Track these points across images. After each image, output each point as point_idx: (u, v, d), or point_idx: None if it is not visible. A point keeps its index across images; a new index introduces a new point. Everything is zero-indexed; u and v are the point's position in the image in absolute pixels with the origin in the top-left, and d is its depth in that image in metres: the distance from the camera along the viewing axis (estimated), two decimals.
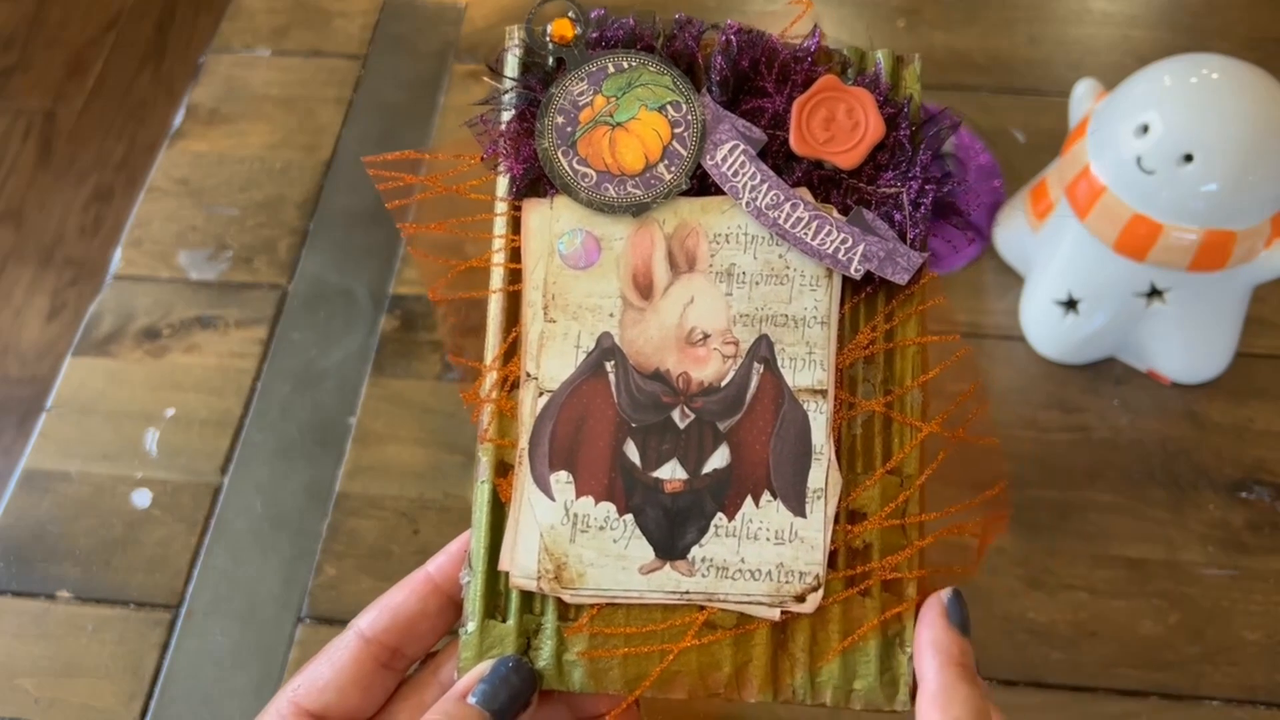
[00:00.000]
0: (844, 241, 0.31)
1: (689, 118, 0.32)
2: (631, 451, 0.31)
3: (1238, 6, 0.76)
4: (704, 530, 0.31)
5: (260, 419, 0.60)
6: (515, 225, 0.32)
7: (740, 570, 0.30)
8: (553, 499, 0.31)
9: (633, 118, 0.32)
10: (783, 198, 0.31)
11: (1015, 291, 0.63)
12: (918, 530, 0.31)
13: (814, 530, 0.30)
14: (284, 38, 0.77)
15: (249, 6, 0.79)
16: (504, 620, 0.31)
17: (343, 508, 0.57)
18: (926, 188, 0.31)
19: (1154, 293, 0.56)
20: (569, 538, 0.31)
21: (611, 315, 0.32)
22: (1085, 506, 0.56)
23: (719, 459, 0.31)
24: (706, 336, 0.31)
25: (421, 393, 0.60)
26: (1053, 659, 0.52)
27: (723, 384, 0.31)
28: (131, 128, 1.49)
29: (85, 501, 0.58)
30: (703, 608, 0.30)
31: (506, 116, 0.33)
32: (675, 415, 0.31)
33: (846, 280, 0.32)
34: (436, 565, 0.32)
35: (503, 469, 0.31)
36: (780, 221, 0.31)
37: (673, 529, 0.31)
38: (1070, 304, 0.58)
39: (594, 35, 0.32)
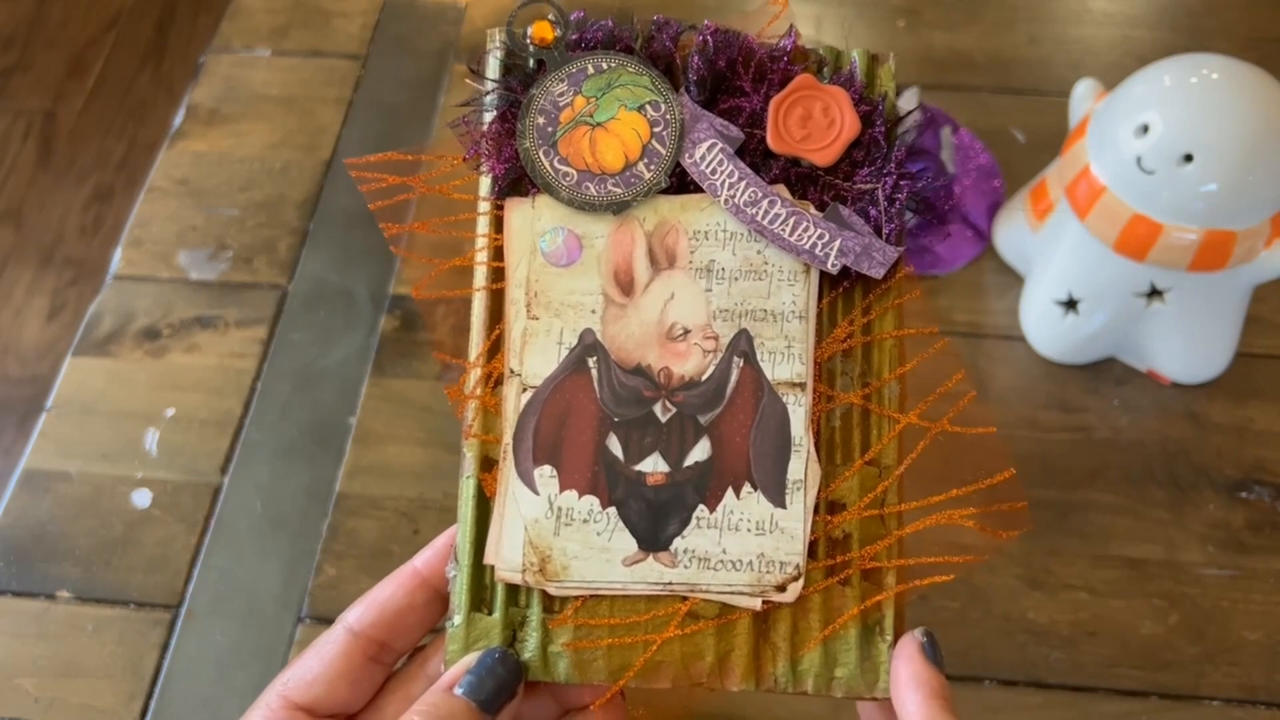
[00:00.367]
0: (821, 237, 0.32)
1: (668, 117, 0.32)
2: (614, 445, 0.32)
3: (1238, 6, 0.76)
4: (686, 522, 0.31)
5: (260, 419, 0.60)
6: (498, 224, 0.33)
7: (722, 561, 0.31)
8: (537, 493, 0.31)
9: (612, 118, 0.33)
10: (760, 195, 0.32)
11: (1015, 291, 0.63)
12: (896, 520, 0.31)
13: (794, 521, 0.31)
14: (284, 38, 0.77)
15: (249, 6, 0.79)
16: (490, 613, 0.31)
17: (343, 508, 0.57)
18: (901, 183, 0.32)
19: (1154, 293, 0.56)
20: (553, 531, 0.31)
21: (593, 312, 0.32)
22: (1085, 506, 0.56)
23: (700, 452, 0.31)
24: (687, 332, 0.32)
25: (421, 393, 0.60)
26: (1053, 659, 0.52)
27: (703, 378, 0.32)
28: (131, 128, 1.49)
29: (85, 501, 0.58)
30: (685, 598, 0.31)
31: (488, 118, 0.33)
32: (657, 409, 0.32)
33: (824, 275, 0.32)
34: (423, 560, 0.32)
35: (487, 464, 0.32)
36: (758, 218, 0.32)
37: (655, 521, 0.31)
38: (1070, 304, 0.58)
39: (574, 37, 0.33)
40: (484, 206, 0.33)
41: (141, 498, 0.58)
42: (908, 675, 0.29)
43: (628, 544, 0.31)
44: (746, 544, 0.31)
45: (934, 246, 0.64)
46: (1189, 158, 0.51)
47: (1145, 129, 0.52)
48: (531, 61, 0.33)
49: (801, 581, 0.31)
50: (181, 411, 0.60)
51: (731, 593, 0.31)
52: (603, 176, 0.32)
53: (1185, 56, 0.53)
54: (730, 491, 0.31)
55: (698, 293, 0.32)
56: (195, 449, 0.59)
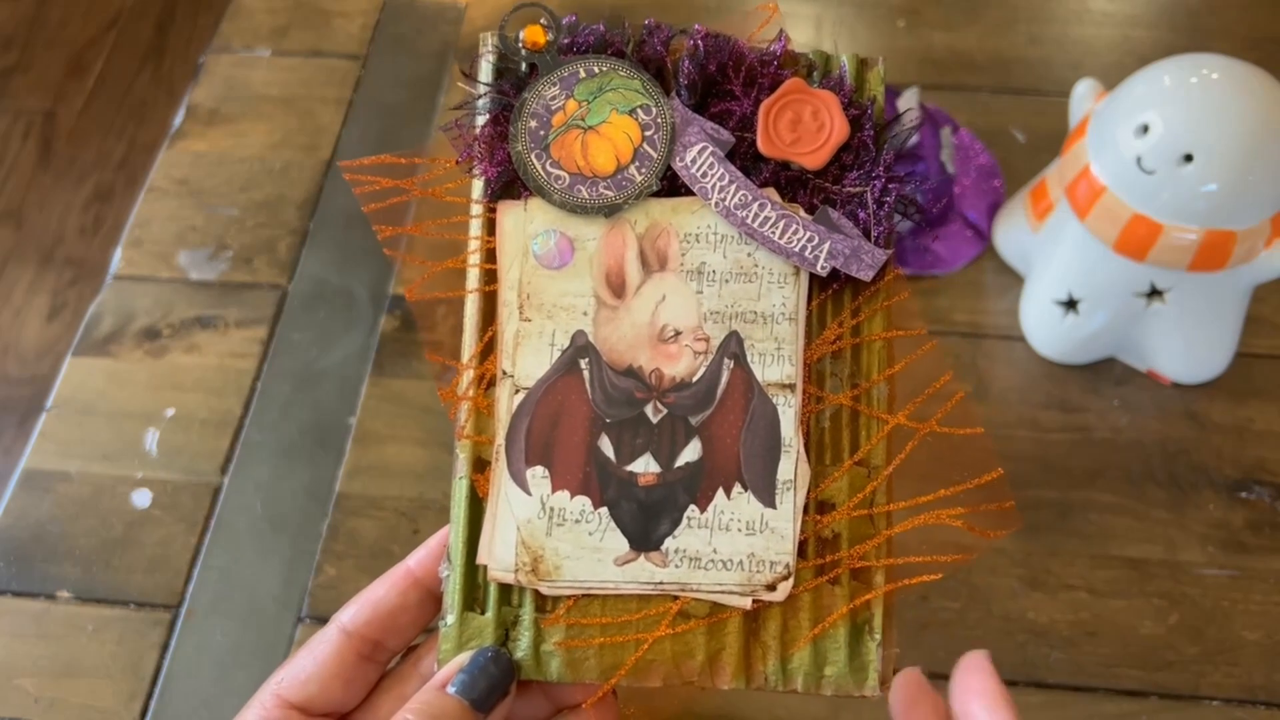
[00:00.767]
0: (810, 240, 0.32)
1: (659, 120, 0.33)
2: (606, 446, 0.32)
3: (1238, 6, 0.76)
4: (677, 522, 0.31)
5: (260, 419, 0.60)
6: (490, 227, 0.33)
7: (713, 560, 0.31)
8: (529, 493, 0.32)
9: (604, 121, 0.33)
10: (751, 198, 0.32)
11: (1015, 291, 0.63)
12: (885, 519, 0.32)
13: (784, 521, 0.31)
14: (284, 38, 0.77)
15: (249, 6, 0.79)
16: (482, 612, 0.31)
17: (343, 508, 0.57)
18: (890, 186, 0.32)
19: (1154, 293, 0.56)
20: (545, 531, 0.31)
21: (585, 314, 0.32)
22: (1085, 506, 0.56)
23: (691, 452, 0.32)
24: (678, 334, 0.32)
25: (421, 393, 0.60)
26: (1053, 659, 0.52)
27: (694, 380, 0.32)
28: (131, 128, 1.49)
29: (85, 501, 0.58)
30: (676, 597, 0.31)
31: (481, 121, 0.33)
32: (648, 410, 0.32)
33: (814, 277, 0.32)
34: (416, 559, 0.33)
35: (480, 465, 0.32)
36: (748, 221, 0.32)
37: (647, 521, 0.31)
38: (1070, 304, 0.58)
39: (565, 41, 0.33)
40: (476, 209, 0.33)
41: (141, 498, 0.58)
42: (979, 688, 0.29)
43: (619, 544, 0.31)
44: (737, 544, 0.31)
45: (933, 246, 0.64)
46: (1189, 158, 0.51)
47: (1145, 129, 0.52)
48: (524, 65, 0.33)
49: (791, 581, 0.31)
50: (181, 411, 0.60)
51: (722, 592, 0.31)
52: (594, 179, 0.33)
53: (1185, 56, 0.53)
54: (721, 492, 0.31)
55: (689, 295, 0.32)
56: (195, 449, 0.59)
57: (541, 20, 0.33)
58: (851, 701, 0.32)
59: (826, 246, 0.32)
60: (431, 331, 0.34)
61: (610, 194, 0.32)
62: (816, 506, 0.31)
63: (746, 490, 0.31)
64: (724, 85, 0.33)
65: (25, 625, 0.54)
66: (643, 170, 0.32)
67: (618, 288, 0.32)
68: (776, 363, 0.32)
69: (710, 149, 0.32)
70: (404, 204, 0.34)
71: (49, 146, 1.48)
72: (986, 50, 0.74)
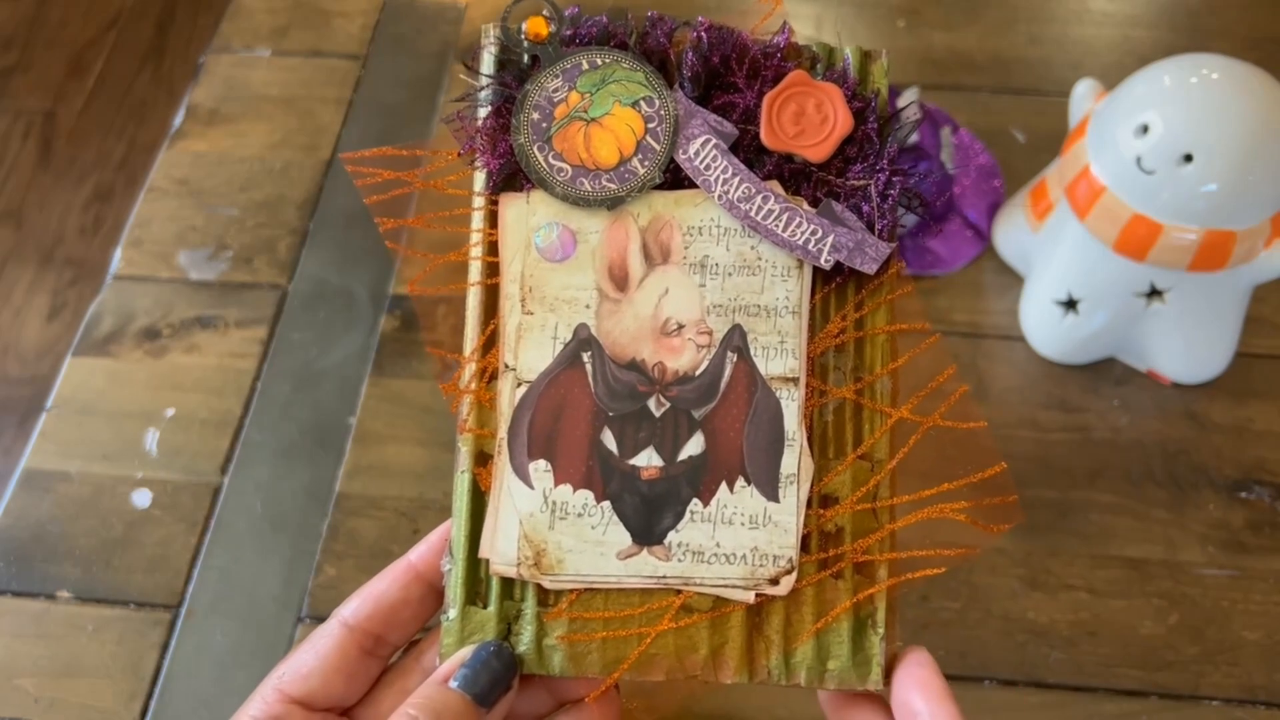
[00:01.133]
0: (814, 233, 0.32)
1: (662, 113, 0.32)
2: (609, 440, 0.32)
3: (1238, 6, 0.76)
4: (680, 516, 0.31)
5: (260, 419, 0.60)
6: (493, 220, 0.33)
7: (716, 554, 0.31)
8: (532, 487, 0.32)
9: (607, 113, 0.33)
10: (754, 190, 0.32)
11: (1015, 291, 0.63)
12: (888, 513, 0.32)
13: (787, 515, 0.31)
14: (284, 38, 0.77)
15: (249, 6, 0.79)
16: (485, 606, 0.31)
17: (343, 508, 0.57)
18: (894, 180, 0.32)
19: (1154, 293, 0.56)
20: (548, 525, 0.31)
21: (588, 307, 0.32)
22: (1085, 506, 0.56)
23: (694, 446, 0.32)
24: (681, 327, 0.32)
25: (421, 393, 0.60)
26: (1053, 659, 0.52)
27: (697, 373, 0.32)
28: (131, 128, 1.49)
29: (85, 501, 0.58)
30: (679, 591, 0.31)
31: (483, 113, 0.33)
32: (651, 404, 0.32)
33: (817, 271, 0.32)
34: (418, 554, 0.33)
35: (482, 459, 0.32)
36: (752, 214, 0.32)
37: (649, 515, 0.31)
38: (1070, 304, 0.58)
39: (568, 33, 0.33)
40: (479, 202, 0.33)
41: (141, 498, 0.58)
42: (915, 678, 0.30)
43: (622, 538, 0.31)
44: (740, 537, 0.31)
45: (934, 246, 0.64)
46: (1189, 158, 0.51)
47: (1145, 129, 0.52)
48: (526, 57, 0.33)
49: (794, 575, 0.31)
50: (181, 411, 0.60)
51: (725, 586, 0.31)
52: (597, 172, 0.32)
53: (1185, 56, 0.53)
54: (724, 485, 0.31)
55: (692, 288, 0.32)
56: (195, 449, 0.59)
57: (544, 12, 0.33)
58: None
59: (830, 240, 0.32)
60: (432, 331, 0.34)
61: (613, 186, 0.32)
62: (820, 500, 0.31)
63: (750, 484, 0.31)
64: (727, 78, 0.33)
65: (25, 625, 0.54)
66: (646, 163, 0.32)
67: (620, 281, 0.32)
68: (780, 356, 0.32)
69: (714, 141, 0.32)
70: (406, 198, 0.34)
71: (49, 146, 1.48)
72: (986, 50, 0.74)
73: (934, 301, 0.63)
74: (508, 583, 0.31)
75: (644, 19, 0.33)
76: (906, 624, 0.53)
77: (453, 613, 0.31)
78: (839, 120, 0.32)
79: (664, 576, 0.31)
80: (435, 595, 0.32)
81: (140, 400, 0.61)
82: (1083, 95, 0.59)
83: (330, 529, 0.56)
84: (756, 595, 0.31)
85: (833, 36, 0.75)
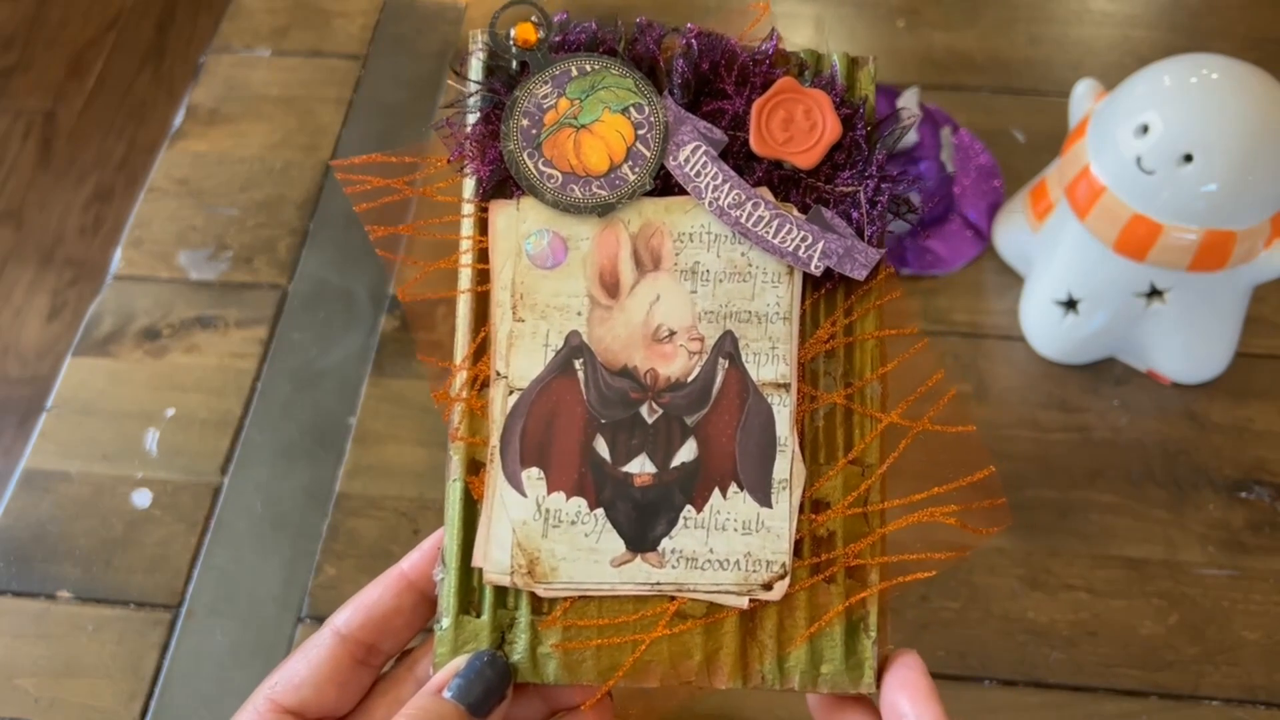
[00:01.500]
0: (804, 239, 0.32)
1: (651, 119, 0.33)
2: (601, 447, 0.32)
3: (1238, 6, 0.76)
4: (673, 522, 0.31)
5: (260, 419, 0.60)
6: (483, 226, 0.33)
7: (709, 561, 0.31)
8: (525, 495, 0.31)
9: (596, 120, 0.33)
10: (744, 197, 0.32)
11: (1015, 291, 0.63)
12: (879, 518, 0.32)
13: (780, 520, 0.31)
14: (284, 38, 0.77)
15: (249, 6, 0.79)
16: (478, 615, 0.31)
17: (343, 508, 0.57)
18: (883, 186, 0.32)
19: (1154, 293, 0.56)
20: (541, 533, 0.31)
21: (579, 314, 0.32)
22: (1085, 506, 0.56)
23: (687, 452, 0.32)
24: (672, 333, 0.32)
25: (421, 393, 0.60)
26: (1053, 659, 0.52)
27: (689, 379, 0.32)
28: (131, 128, 1.49)
29: (85, 501, 0.58)
30: (673, 598, 0.31)
31: (472, 119, 0.33)
32: (643, 411, 0.32)
33: (807, 277, 0.32)
34: (410, 562, 0.32)
35: (474, 467, 0.32)
36: (742, 220, 0.32)
37: (643, 522, 0.31)
38: (1070, 304, 0.58)
39: (557, 39, 0.33)
40: (468, 209, 0.33)
41: (141, 498, 0.58)
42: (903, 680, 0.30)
43: (616, 545, 0.31)
44: (733, 543, 0.31)
45: (933, 246, 0.64)
46: (1189, 158, 0.51)
47: (1145, 129, 0.52)
48: (514, 63, 0.33)
49: (788, 580, 0.31)
50: (181, 411, 0.60)
51: (719, 592, 0.31)
52: (587, 179, 0.32)
53: (1185, 56, 0.53)
54: (717, 491, 0.31)
55: (683, 295, 0.32)
56: (195, 449, 0.59)
57: (533, 18, 0.33)
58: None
59: (820, 246, 0.32)
60: (431, 332, 0.34)
61: (603, 193, 0.32)
62: (811, 505, 0.32)
63: (742, 490, 0.31)
64: (716, 84, 0.33)
65: (25, 625, 0.54)
66: (636, 169, 0.32)
67: (611, 287, 0.32)
68: (771, 362, 0.32)
69: (703, 148, 0.32)
70: (403, 205, 0.34)
71: (49, 146, 1.48)
72: (986, 50, 0.74)
73: (934, 301, 0.63)
74: (501, 591, 0.31)
75: (633, 25, 0.33)
76: (906, 624, 0.53)
77: (446, 622, 0.31)
78: (827, 127, 0.32)
79: (658, 583, 0.31)
80: (428, 604, 0.32)
81: (140, 400, 0.61)
82: (1083, 95, 0.59)
83: (330, 529, 0.56)
84: (750, 601, 0.31)
85: (832, 37, 0.75)
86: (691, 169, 0.32)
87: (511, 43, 0.33)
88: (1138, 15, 0.76)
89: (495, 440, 0.32)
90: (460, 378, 0.32)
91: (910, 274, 0.64)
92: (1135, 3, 0.77)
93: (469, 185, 0.33)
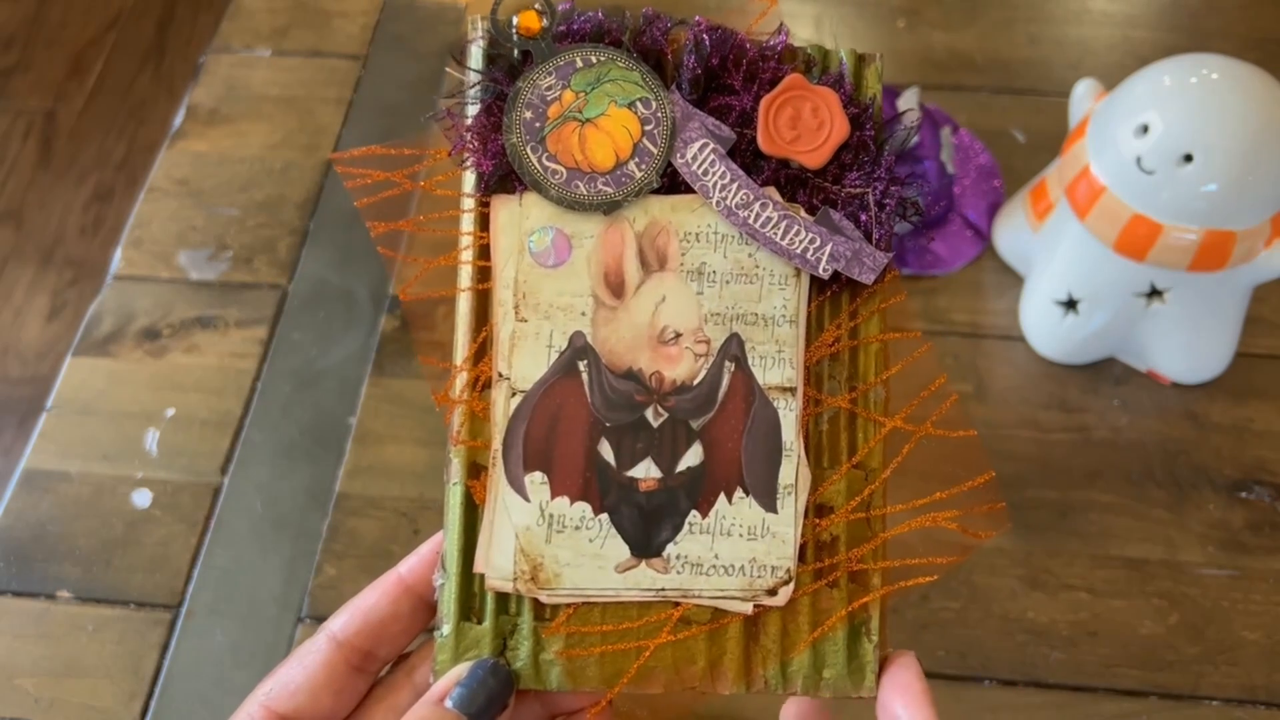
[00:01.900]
0: (812, 241, 0.31)
1: (659, 115, 0.32)
2: (606, 451, 0.31)
3: (1238, 6, 0.76)
4: (678, 528, 0.31)
5: (260, 419, 0.60)
6: (484, 222, 0.32)
7: (714, 566, 0.31)
8: (528, 500, 0.31)
9: (602, 114, 0.32)
10: (752, 197, 0.31)
11: (1015, 291, 0.63)
12: (882, 522, 0.31)
13: (785, 525, 0.31)
14: (284, 38, 0.77)
15: (249, 6, 0.79)
16: (479, 622, 0.31)
17: (343, 508, 0.57)
18: (891, 189, 0.32)
19: (1154, 293, 0.56)
20: (545, 538, 0.31)
21: (584, 314, 0.31)
22: (1085, 506, 0.56)
23: (692, 457, 0.31)
24: (678, 335, 0.32)
25: (421, 393, 0.60)
26: (1053, 659, 0.52)
27: (695, 382, 0.31)
28: (131, 128, 1.49)
29: (85, 501, 0.58)
30: (678, 604, 0.31)
31: (473, 110, 0.32)
32: (649, 414, 0.31)
33: (813, 279, 0.32)
34: (408, 567, 0.32)
35: (475, 470, 0.31)
36: (750, 221, 0.31)
37: (648, 527, 0.31)
38: (1070, 304, 0.58)
39: (561, 28, 0.32)
40: (468, 204, 0.32)
41: (141, 498, 0.58)
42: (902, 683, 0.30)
43: (620, 550, 0.31)
44: (738, 549, 0.31)
45: (933, 246, 0.64)
46: (1189, 158, 0.51)
47: (1145, 129, 0.52)
48: (516, 52, 0.32)
49: (792, 585, 0.31)
50: (181, 411, 0.60)
51: (724, 598, 0.31)
52: (593, 175, 0.31)
53: (1185, 56, 0.53)
54: (722, 496, 0.31)
55: (689, 296, 0.32)
56: (195, 449, 0.59)
57: (536, 5, 0.32)
58: (851, 705, 0.32)
59: (828, 249, 0.31)
60: (431, 331, 0.34)
61: (609, 190, 0.31)
62: (815, 510, 0.31)
63: (748, 495, 0.31)
64: (724, 79, 0.32)
65: (25, 625, 0.54)
66: (643, 166, 0.32)
67: (616, 287, 0.32)
68: (777, 366, 0.31)
69: (711, 146, 0.32)
70: (406, 200, 0.34)
71: (49, 146, 1.48)
72: (986, 50, 0.74)
73: (934, 301, 0.63)
74: (503, 597, 0.31)
75: (639, 16, 0.32)
76: (907, 624, 0.53)
77: (446, 628, 0.31)
78: (835, 126, 0.32)
79: (662, 589, 0.31)
80: (426, 609, 0.32)
81: (140, 400, 0.61)
82: (1083, 95, 0.59)
83: (330, 529, 0.56)
84: (754, 606, 0.31)
85: (832, 37, 0.75)
86: (699, 167, 0.31)
87: (514, 30, 0.32)
88: (1138, 15, 0.76)
89: (497, 444, 0.31)
90: (461, 379, 0.31)
91: (910, 274, 0.64)
92: (1135, 3, 0.77)
93: (470, 179, 0.32)
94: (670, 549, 0.31)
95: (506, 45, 0.32)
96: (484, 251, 0.32)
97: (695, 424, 0.31)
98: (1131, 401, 0.59)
